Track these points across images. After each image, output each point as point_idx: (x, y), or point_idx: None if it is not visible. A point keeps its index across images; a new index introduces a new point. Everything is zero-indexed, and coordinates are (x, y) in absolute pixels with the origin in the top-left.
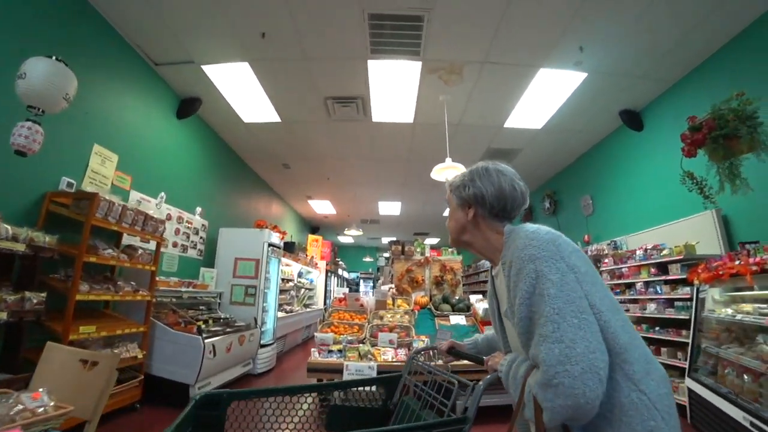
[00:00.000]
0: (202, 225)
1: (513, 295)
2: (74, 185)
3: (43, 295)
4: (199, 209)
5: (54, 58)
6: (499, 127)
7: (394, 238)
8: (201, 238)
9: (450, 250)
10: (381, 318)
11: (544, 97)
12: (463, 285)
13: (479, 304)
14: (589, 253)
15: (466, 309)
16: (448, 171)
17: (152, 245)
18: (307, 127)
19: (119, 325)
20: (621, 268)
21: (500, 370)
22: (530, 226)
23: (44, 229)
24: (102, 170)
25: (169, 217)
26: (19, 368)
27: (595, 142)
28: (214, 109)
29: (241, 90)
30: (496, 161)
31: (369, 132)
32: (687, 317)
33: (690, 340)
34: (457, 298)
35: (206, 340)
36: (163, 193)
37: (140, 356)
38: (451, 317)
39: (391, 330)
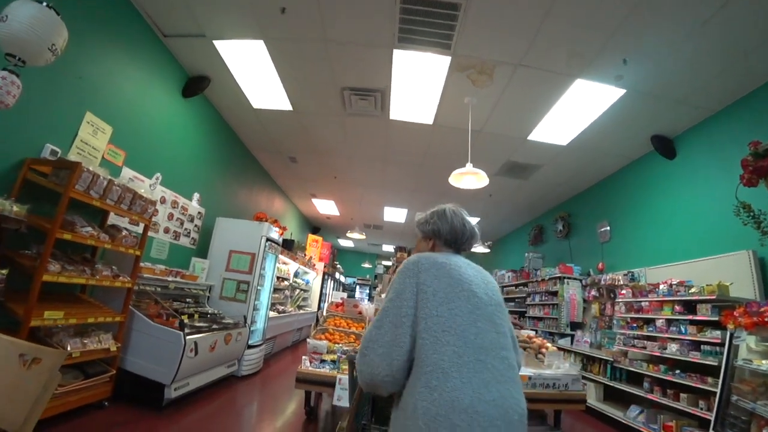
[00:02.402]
0: (198, 213)
1: None
2: (59, 154)
3: (4, 272)
4: (196, 195)
5: (44, 3)
6: (522, 139)
7: (396, 245)
8: (196, 226)
9: None
10: None
11: (575, 111)
12: None
13: None
14: (603, 282)
15: None
16: (468, 177)
17: (141, 228)
18: (319, 120)
19: (93, 312)
20: (640, 301)
21: None
22: (429, 253)
23: (19, 199)
24: (93, 141)
25: (162, 200)
26: None
27: (620, 166)
28: (222, 91)
29: (253, 71)
30: (455, 204)
31: (385, 131)
32: (715, 364)
33: (718, 390)
34: None
35: (188, 337)
36: (158, 174)
37: (113, 349)
38: None
39: None
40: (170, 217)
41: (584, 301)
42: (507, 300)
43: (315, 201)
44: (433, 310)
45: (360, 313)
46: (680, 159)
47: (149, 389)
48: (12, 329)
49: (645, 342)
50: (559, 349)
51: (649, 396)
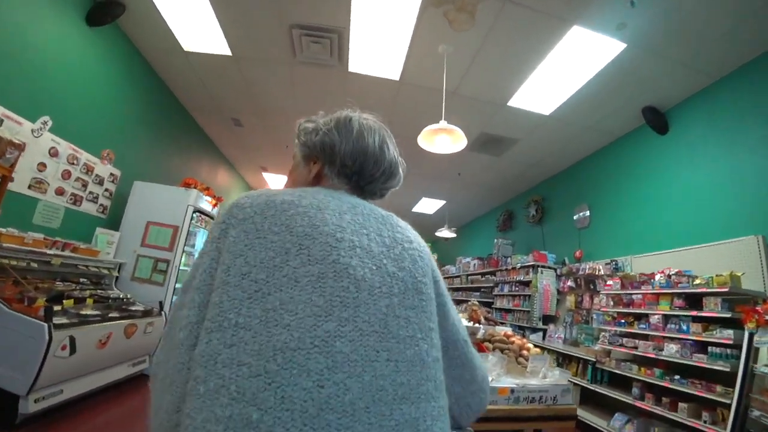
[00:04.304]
0: (111, 174)
1: None
2: None
3: None
4: (108, 153)
5: None
6: (501, 104)
7: None
8: (107, 190)
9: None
10: None
11: (565, 71)
12: None
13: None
14: (581, 271)
15: None
16: (441, 137)
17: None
18: (264, 69)
19: None
20: (631, 294)
21: None
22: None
23: None
24: None
25: (54, 153)
26: None
27: (605, 143)
28: (142, 22)
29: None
30: (374, 114)
31: (342, 86)
32: (727, 369)
33: (734, 402)
34: None
35: (59, 330)
36: (46, 117)
37: None
38: None
39: None
40: (66, 175)
41: (558, 292)
42: (471, 290)
43: (266, 176)
44: (229, 313)
45: None
46: (674, 134)
47: None
48: None
49: (636, 341)
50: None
51: (639, 403)
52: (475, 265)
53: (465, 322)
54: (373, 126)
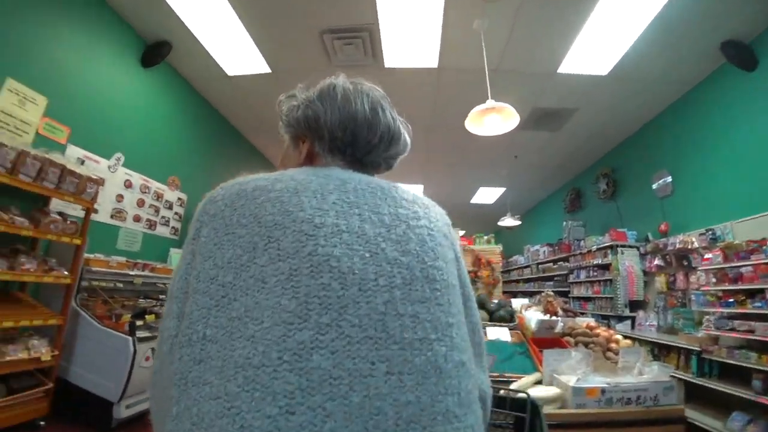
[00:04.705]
0: (178, 199)
1: None
2: None
3: None
4: (174, 179)
5: None
6: (551, 73)
7: None
8: (176, 214)
9: (485, 237)
10: None
11: (619, 21)
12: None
13: (529, 312)
14: (670, 248)
15: (509, 318)
16: (491, 118)
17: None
18: (303, 79)
19: (16, 313)
20: (738, 267)
21: None
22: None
23: None
24: (20, 113)
25: (128, 184)
26: None
27: (678, 95)
28: (188, 57)
29: (213, 25)
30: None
31: (381, 83)
32: None
33: None
34: (495, 302)
35: (141, 343)
36: (119, 154)
37: (47, 357)
38: (488, 330)
39: None
40: (140, 203)
41: (644, 273)
42: (544, 279)
43: None
44: (197, 324)
45: None
46: (765, 67)
47: (96, 407)
48: None
49: (751, 323)
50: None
51: (763, 399)
52: (545, 252)
53: (540, 315)
54: (361, 88)
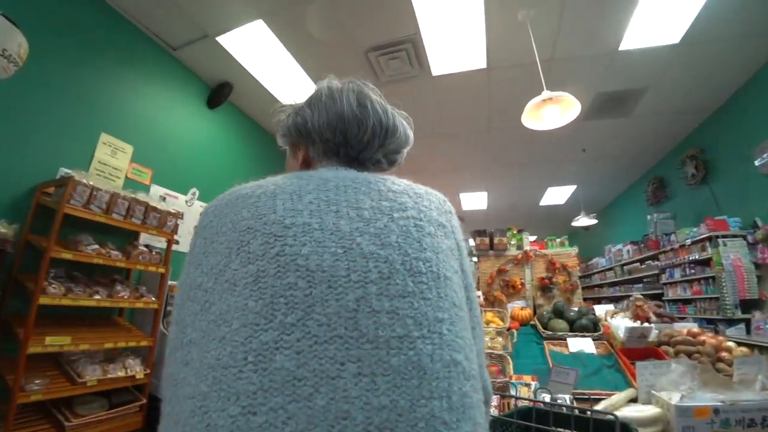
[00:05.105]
0: None
1: None
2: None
3: None
4: None
5: None
6: (612, 52)
7: (473, 230)
8: None
9: (558, 239)
10: None
11: None
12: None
13: (616, 320)
14: None
15: (592, 327)
16: (549, 110)
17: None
18: None
19: (115, 336)
20: None
21: None
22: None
23: (34, 225)
24: (112, 161)
25: None
26: None
27: None
28: (247, 93)
29: (268, 62)
30: (352, 79)
31: (431, 93)
32: None
33: None
34: (575, 310)
35: None
36: (195, 189)
37: (141, 375)
38: (569, 341)
39: None
40: None
41: (756, 266)
42: (630, 282)
43: None
44: (187, 328)
45: None
46: None
47: None
48: (12, 356)
49: None
50: (738, 345)
51: None
52: (629, 251)
53: (629, 323)
54: (345, 86)
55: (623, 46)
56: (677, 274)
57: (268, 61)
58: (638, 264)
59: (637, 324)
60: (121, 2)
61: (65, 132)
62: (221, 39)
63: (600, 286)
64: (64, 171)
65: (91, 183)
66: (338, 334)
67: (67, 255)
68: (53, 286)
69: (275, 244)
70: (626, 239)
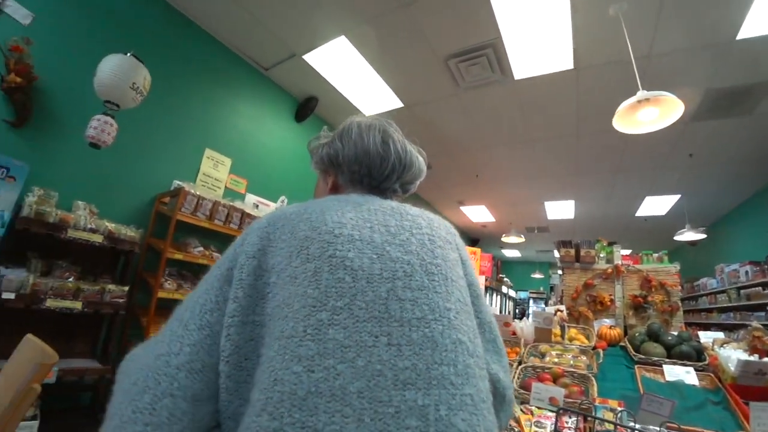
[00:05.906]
0: None
1: None
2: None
3: (125, 288)
4: None
5: (128, 54)
6: (725, 43)
7: (559, 240)
8: None
9: (655, 255)
10: (541, 355)
11: None
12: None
13: (727, 350)
14: None
15: (695, 356)
16: (645, 112)
17: None
18: (435, 107)
19: None
20: None
21: None
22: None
23: (154, 230)
24: (214, 173)
25: None
26: (107, 359)
27: None
28: (331, 106)
29: (350, 75)
30: (380, 118)
31: (514, 98)
32: None
33: None
34: (674, 334)
35: None
36: (284, 197)
37: None
38: (666, 368)
39: (555, 379)
40: None
41: None
42: (748, 309)
43: (464, 209)
44: (249, 315)
45: (513, 333)
46: None
47: None
48: (138, 341)
49: None
50: None
51: None
52: (747, 273)
53: (743, 355)
54: (372, 123)
55: (742, 35)
56: None
57: (350, 74)
58: (759, 288)
59: (754, 358)
60: (218, 30)
61: (177, 148)
62: (307, 57)
63: (709, 310)
64: (176, 183)
65: (197, 193)
66: (374, 315)
67: (179, 256)
68: (168, 282)
69: (328, 248)
70: (744, 258)
